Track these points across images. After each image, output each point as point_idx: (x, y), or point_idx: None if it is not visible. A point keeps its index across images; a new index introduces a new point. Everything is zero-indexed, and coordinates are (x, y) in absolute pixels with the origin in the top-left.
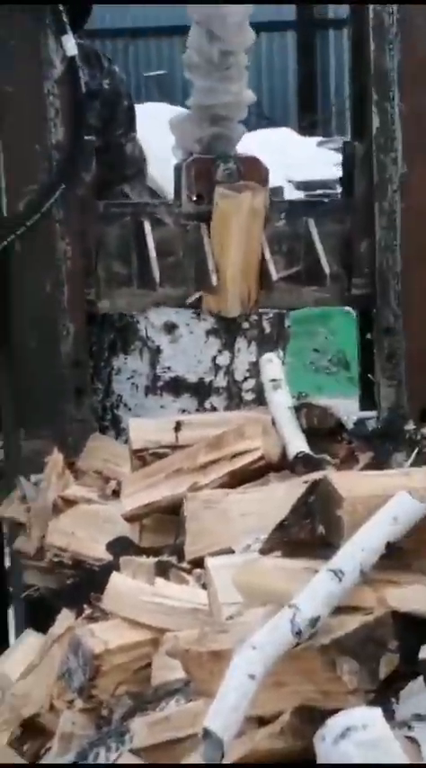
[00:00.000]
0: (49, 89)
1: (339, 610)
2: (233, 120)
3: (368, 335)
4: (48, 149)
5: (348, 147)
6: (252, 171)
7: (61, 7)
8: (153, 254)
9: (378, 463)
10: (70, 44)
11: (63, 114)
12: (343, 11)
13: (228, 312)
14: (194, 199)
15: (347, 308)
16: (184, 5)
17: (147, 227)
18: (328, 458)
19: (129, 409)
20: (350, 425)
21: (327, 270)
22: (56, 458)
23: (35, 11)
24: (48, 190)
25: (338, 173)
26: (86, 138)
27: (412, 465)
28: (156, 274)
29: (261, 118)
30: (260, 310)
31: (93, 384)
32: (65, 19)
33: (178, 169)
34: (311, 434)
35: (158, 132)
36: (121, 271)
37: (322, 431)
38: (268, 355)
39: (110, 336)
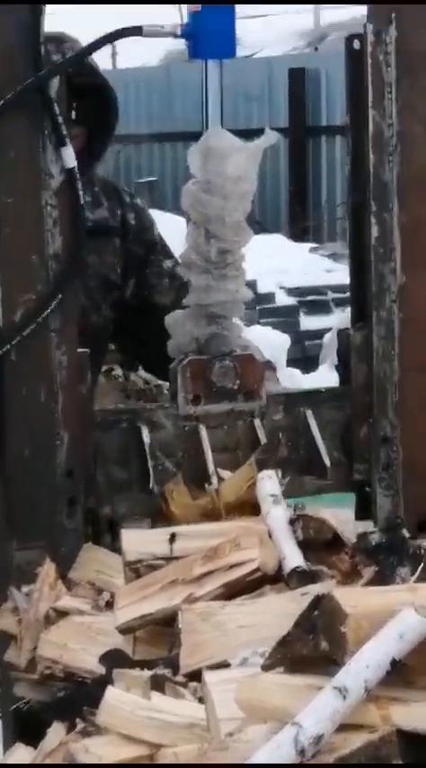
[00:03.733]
0: (47, 200)
1: (343, 727)
2: (230, 318)
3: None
4: (46, 259)
5: (343, 336)
6: (248, 368)
7: (60, 119)
8: (151, 459)
9: (382, 578)
10: (69, 156)
11: (61, 225)
12: (336, 118)
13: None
14: (191, 399)
15: None
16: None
17: (145, 431)
18: (325, 570)
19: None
20: (348, 537)
21: (327, 461)
22: (48, 568)
23: (34, 122)
24: (44, 300)
25: (330, 279)
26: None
27: (418, 580)
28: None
29: (253, 224)
30: None
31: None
32: (64, 131)
33: (174, 371)
34: (307, 546)
35: None
36: (121, 476)
37: (318, 542)
38: (266, 472)
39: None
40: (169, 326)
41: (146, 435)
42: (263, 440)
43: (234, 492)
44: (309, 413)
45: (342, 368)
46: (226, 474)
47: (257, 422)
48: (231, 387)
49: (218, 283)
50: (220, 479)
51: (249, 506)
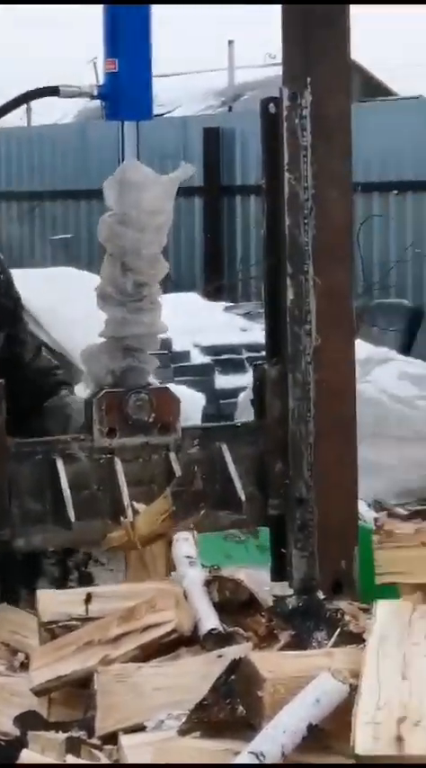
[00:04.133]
0: None
1: None
2: (145, 351)
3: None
4: None
5: (258, 371)
6: (164, 401)
7: None
8: (66, 490)
9: (299, 642)
10: None
11: None
12: (250, 177)
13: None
14: (106, 432)
15: None
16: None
17: (60, 463)
18: (241, 632)
19: (102, 564)
20: (264, 598)
21: (242, 496)
22: None
23: None
24: None
25: (245, 337)
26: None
27: (334, 644)
28: (71, 511)
29: (167, 281)
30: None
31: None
32: None
33: (89, 403)
34: (223, 607)
35: (64, 296)
36: (35, 508)
37: (234, 603)
38: (183, 533)
39: None
40: (83, 360)
41: (60, 467)
42: (178, 473)
43: (148, 525)
44: (224, 447)
45: (257, 402)
46: (141, 507)
47: (172, 455)
48: (146, 420)
49: (134, 316)
50: (135, 512)
51: (163, 539)
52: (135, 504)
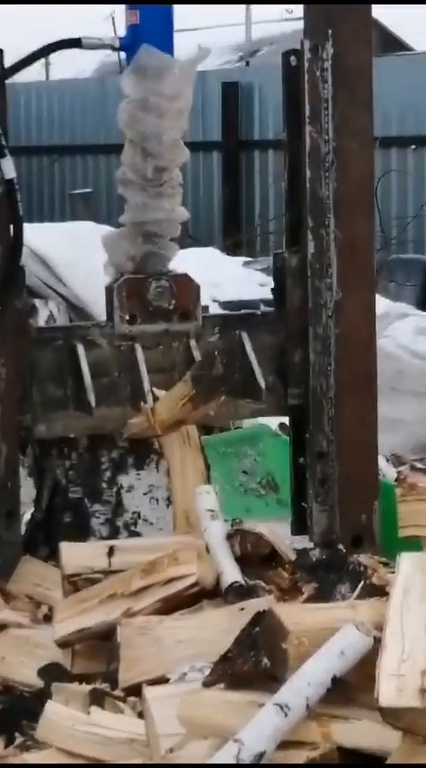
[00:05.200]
0: None
1: (284, 744)
2: (165, 237)
3: (301, 460)
4: None
5: (279, 259)
6: (184, 289)
7: None
8: (87, 376)
9: (323, 595)
10: (8, 167)
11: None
12: (268, 132)
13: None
14: (127, 319)
15: (277, 430)
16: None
17: (81, 349)
18: (262, 584)
19: (151, 524)
20: (286, 552)
21: (262, 383)
22: None
23: None
24: None
25: (263, 293)
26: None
27: (358, 597)
28: (92, 397)
29: (186, 237)
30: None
31: (91, 506)
32: (3, 142)
33: (110, 290)
34: (245, 560)
35: (84, 250)
36: (56, 394)
37: (256, 557)
38: (204, 487)
39: (112, 455)
40: (104, 245)
41: (82, 353)
42: (199, 360)
43: (168, 410)
44: (245, 335)
45: (278, 292)
46: (161, 393)
47: (193, 343)
48: (167, 307)
49: (154, 201)
50: (155, 398)
51: (183, 425)
52: (155, 390)
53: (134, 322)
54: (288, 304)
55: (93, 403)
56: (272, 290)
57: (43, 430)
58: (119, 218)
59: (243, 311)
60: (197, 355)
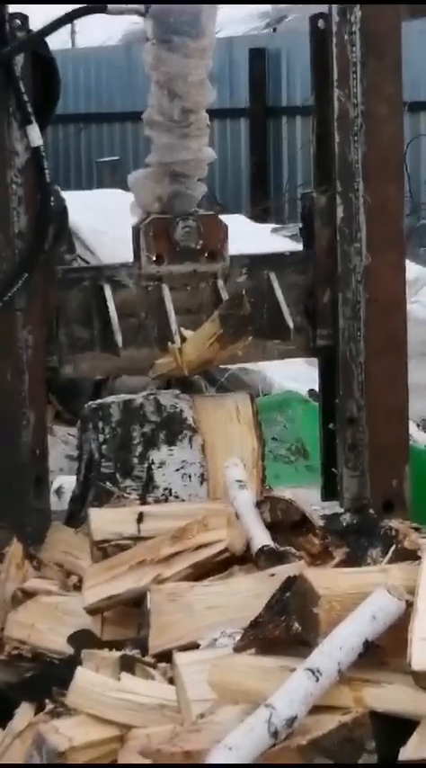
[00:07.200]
0: (13, 178)
1: (316, 709)
2: (192, 177)
3: (331, 425)
4: (11, 238)
5: (307, 199)
6: (212, 229)
7: (25, 97)
8: (114, 316)
9: (353, 559)
10: (35, 134)
11: (26, 203)
12: (296, 99)
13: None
14: (154, 260)
15: (306, 396)
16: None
17: (108, 290)
18: (293, 550)
19: (182, 501)
20: (316, 518)
21: (291, 323)
22: (15, 549)
23: None
24: (10, 279)
25: None
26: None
27: (389, 561)
28: (119, 337)
29: (213, 205)
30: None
31: (122, 482)
32: (29, 109)
33: (136, 230)
34: (275, 528)
35: (111, 218)
36: (83, 335)
37: (286, 524)
38: (232, 459)
39: (144, 430)
40: (131, 186)
41: (108, 294)
42: (226, 299)
43: (196, 350)
44: (273, 275)
45: (306, 231)
46: (188, 334)
47: (220, 283)
48: (194, 247)
49: (181, 141)
50: (183, 339)
51: (210, 365)
52: (183, 330)
53: (161, 262)
54: (317, 244)
55: (120, 344)
56: (300, 229)
57: (70, 371)
58: (146, 159)
59: (271, 251)
60: (224, 295)
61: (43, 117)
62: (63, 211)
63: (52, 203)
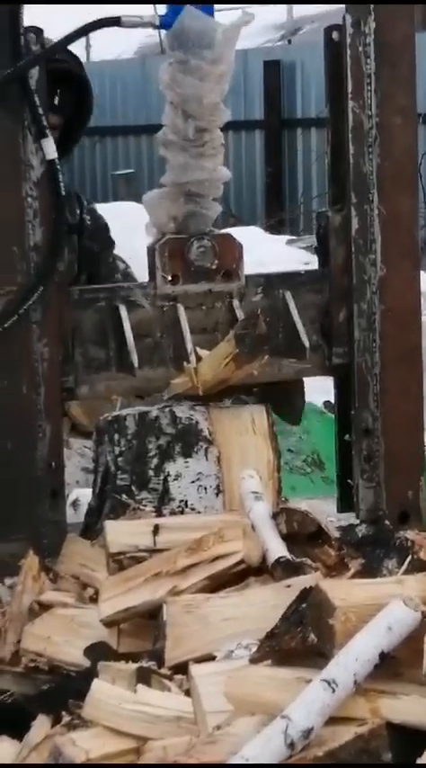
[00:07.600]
0: (28, 191)
1: (332, 720)
2: (207, 197)
3: (346, 437)
4: (27, 251)
5: (322, 218)
6: (227, 248)
7: (41, 110)
8: (130, 337)
9: (369, 570)
10: (50, 147)
11: (41, 216)
12: (311, 110)
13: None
14: (169, 280)
15: (322, 407)
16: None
17: (123, 310)
18: (309, 562)
19: (198, 513)
20: (332, 529)
21: (306, 342)
22: (31, 561)
23: (14, 113)
24: (26, 292)
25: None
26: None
27: (405, 572)
28: (134, 357)
29: (229, 217)
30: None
31: (138, 494)
32: (44, 122)
33: (151, 250)
34: (291, 539)
35: (127, 231)
36: (99, 355)
37: (301, 535)
38: (248, 471)
39: (159, 442)
40: (146, 205)
41: (124, 314)
42: (242, 318)
43: (212, 369)
44: (288, 295)
45: (321, 250)
46: (204, 353)
47: (236, 302)
48: (209, 266)
49: (196, 161)
50: (198, 358)
51: (226, 384)
52: (198, 350)
53: (176, 282)
54: (332, 262)
55: (136, 364)
56: (315, 248)
57: (85, 391)
58: (161, 179)
59: (286, 270)
60: (240, 315)
61: (76, 135)
62: (104, 228)
63: (89, 223)
